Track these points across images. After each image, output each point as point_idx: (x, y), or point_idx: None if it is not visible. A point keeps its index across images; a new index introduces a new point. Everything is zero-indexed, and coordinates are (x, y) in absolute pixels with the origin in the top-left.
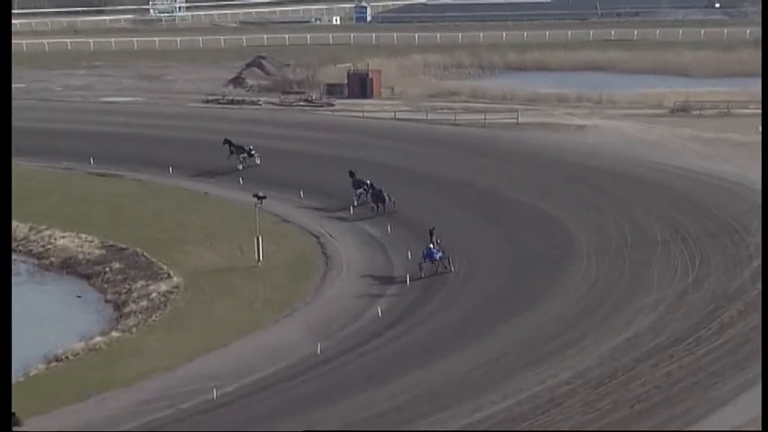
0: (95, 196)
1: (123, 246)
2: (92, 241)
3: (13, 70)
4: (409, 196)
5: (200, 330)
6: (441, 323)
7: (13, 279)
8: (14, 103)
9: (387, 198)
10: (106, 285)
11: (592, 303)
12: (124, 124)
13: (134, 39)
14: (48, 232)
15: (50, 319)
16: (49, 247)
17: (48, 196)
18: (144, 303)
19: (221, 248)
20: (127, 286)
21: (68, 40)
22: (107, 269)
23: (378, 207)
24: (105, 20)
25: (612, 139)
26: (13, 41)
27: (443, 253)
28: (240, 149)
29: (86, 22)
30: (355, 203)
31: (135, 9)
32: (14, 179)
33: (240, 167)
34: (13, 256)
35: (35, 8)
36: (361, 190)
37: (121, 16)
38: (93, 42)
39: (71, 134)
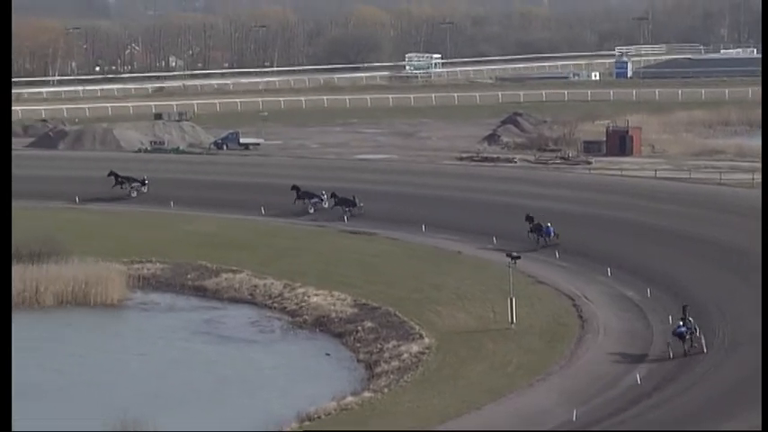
0: (348, 254)
1: (376, 305)
2: (344, 300)
3: (271, 127)
4: (670, 259)
5: (451, 393)
6: (704, 393)
7: (267, 336)
8: (269, 160)
9: (356, 203)
10: (358, 344)
11: None
12: (378, 182)
13: (389, 95)
14: (302, 290)
15: (303, 377)
16: (303, 304)
17: (301, 253)
18: (395, 363)
19: (474, 309)
20: (379, 346)
21: (325, 98)
22: (359, 328)
23: (344, 210)
24: (362, 77)
25: None
26: (271, 99)
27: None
28: (130, 180)
29: (343, 79)
30: (311, 210)
31: (391, 66)
32: (267, 236)
33: (134, 195)
34: (268, 313)
35: (294, 65)
36: (315, 199)
37: (377, 73)
38: (349, 99)
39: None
